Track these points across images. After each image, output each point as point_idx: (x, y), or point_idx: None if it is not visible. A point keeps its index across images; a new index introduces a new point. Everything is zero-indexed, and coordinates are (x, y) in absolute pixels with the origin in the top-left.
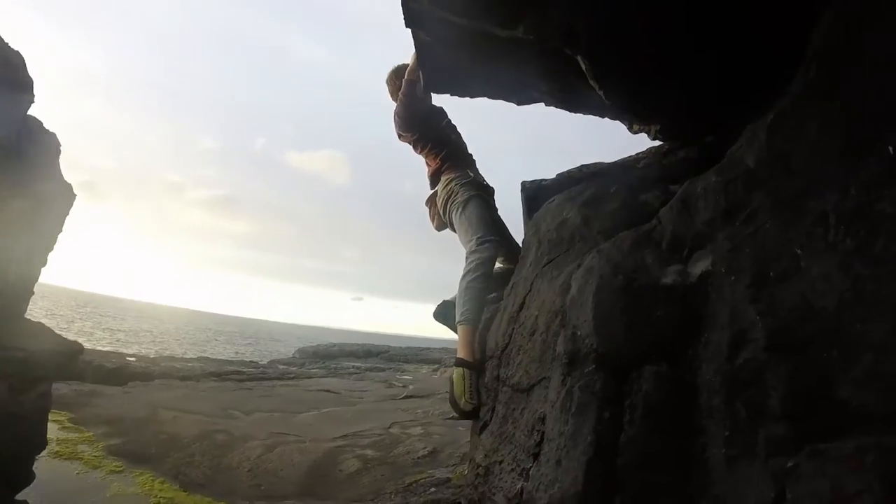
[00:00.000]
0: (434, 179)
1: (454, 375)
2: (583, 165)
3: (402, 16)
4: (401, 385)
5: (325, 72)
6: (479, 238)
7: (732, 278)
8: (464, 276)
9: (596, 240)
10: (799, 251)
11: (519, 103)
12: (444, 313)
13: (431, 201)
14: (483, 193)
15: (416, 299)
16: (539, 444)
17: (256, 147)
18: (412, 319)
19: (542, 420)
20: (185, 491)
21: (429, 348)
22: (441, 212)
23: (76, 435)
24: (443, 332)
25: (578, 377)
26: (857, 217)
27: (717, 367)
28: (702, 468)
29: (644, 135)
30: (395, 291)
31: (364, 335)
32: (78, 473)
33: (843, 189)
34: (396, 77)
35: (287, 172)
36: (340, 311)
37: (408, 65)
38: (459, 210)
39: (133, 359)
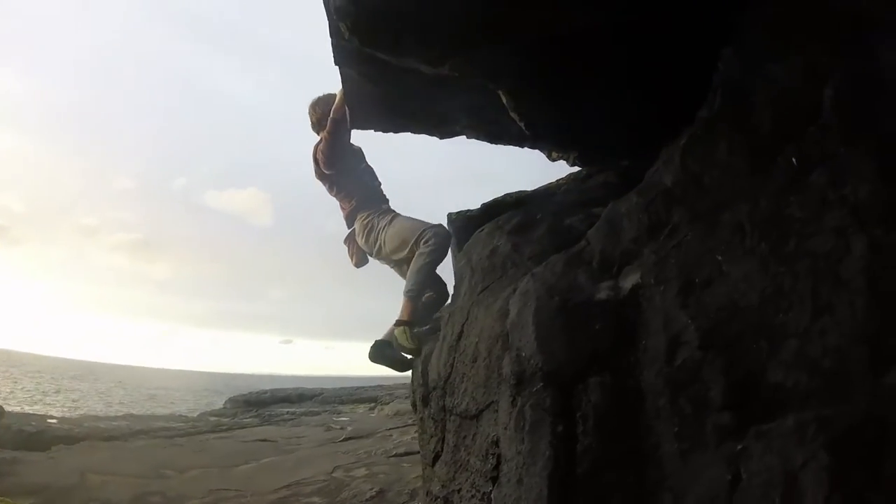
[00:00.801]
0: (350, 220)
1: (396, 332)
2: (507, 194)
3: (332, 53)
4: (339, 427)
5: (247, 108)
6: (428, 227)
7: (662, 288)
8: (420, 256)
9: (527, 265)
10: (720, 258)
11: (441, 137)
12: (380, 353)
13: (350, 239)
14: (395, 214)
15: (348, 338)
16: (496, 467)
17: (175, 186)
18: (345, 359)
19: (496, 443)
20: None
21: (363, 387)
22: (363, 244)
23: None
24: (376, 371)
25: (528, 396)
26: (770, 223)
27: (657, 371)
28: (656, 465)
29: (563, 161)
30: (326, 332)
31: (296, 379)
32: None
33: (754, 200)
34: (317, 109)
35: (208, 213)
36: (270, 356)
37: (332, 95)
38: (386, 227)
39: (55, 421)
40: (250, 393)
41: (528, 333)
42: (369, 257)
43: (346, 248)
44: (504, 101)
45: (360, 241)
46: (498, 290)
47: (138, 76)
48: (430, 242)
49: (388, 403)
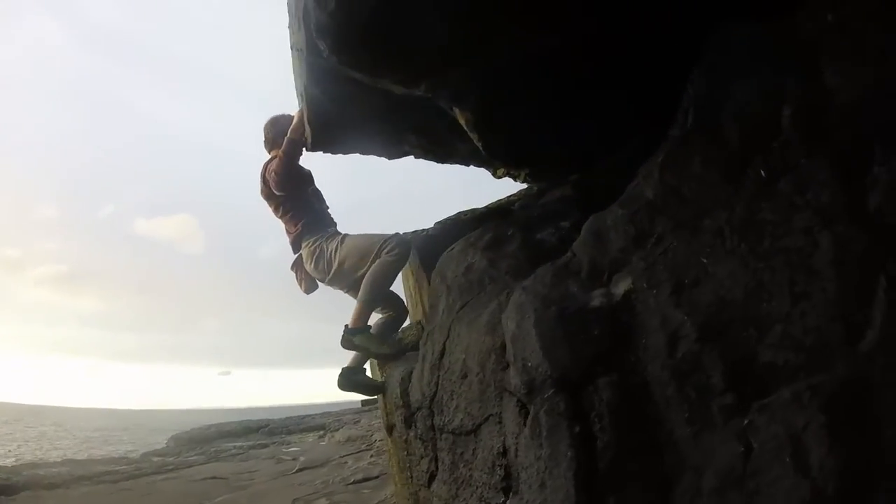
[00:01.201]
0: (296, 245)
1: (358, 340)
2: (461, 212)
3: (304, 71)
4: (290, 458)
5: (174, 134)
6: (389, 237)
7: (655, 291)
8: (382, 265)
9: (505, 280)
10: (705, 260)
11: (390, 157)
12: (349, 381)
13: (298, 265)
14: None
15: (288, 366)
16: (505, 477)
17: (102, 215)
18: (287, 387)
19: (503, 454)
20: None
21: (310, 415)
22: (312, 270)
23: None
24: (322, 397)
25: (541, 403)
26: (746, 226)
27: (662, 364)
28: (672, 450)
29: (492, 177)
30: (265, 361)
31: (239, 412)
32: None
33: (730, 207)
34: (274, 128)
35: (136, 241)
36: (208, 389)
37: (289, 116)
38: (338, 247)
39: None
40: (193, 429)
41: (532, 344)
42: (319, 283)
43: (294, 275)
44: (463, 121)
45: (309, 267)
46: (479, 306)
47: (57, 101)
48: (393, 252)
49: (337, 430)
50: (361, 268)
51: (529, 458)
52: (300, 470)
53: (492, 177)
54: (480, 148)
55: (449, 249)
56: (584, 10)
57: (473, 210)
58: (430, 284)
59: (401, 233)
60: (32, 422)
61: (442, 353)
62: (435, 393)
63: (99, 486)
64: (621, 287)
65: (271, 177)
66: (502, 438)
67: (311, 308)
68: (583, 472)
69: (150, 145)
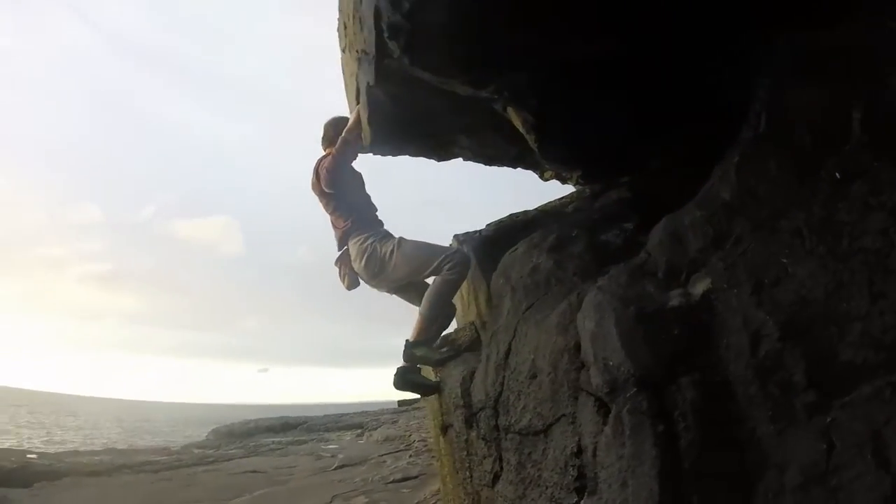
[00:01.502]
0: (343, 241)
1: (417, 352)
2: (512, 214)
3: (367, 71)
4: (329, 455)
5: (212, 135)
6: (452, 253)
7: (735, 291)
8: (444, 283)
9: (573, 281)
10: (785, 260)
11: (440, 159)
12: (405, 380)
13: (343, 261)
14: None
15: (326, 364)
16: (578, 477)
17: (143, 216)
18: (324, 386)
19: (577, 454)
20: None
21: (348, 414)
22: (360, 268)
23: None
24: (358, 396)
25: (623, 402)
26: (824, 227)
27: (745, 363)
28: (755, 447)
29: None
30: (302, 359)
31: (277, 408)
32: None
33: (807, 208)
34: (334, 128)
35: (176, 242)
36: (248, 385)
37: (347, 118)
38: (394, 251)
39: (34, 456)
40: (233, 424)
41: (614, 343)
42: (361, 280)
43: (338, 270)
44: (519, 123)
45: (357, 264)
46: (546, 307)
47: (96, 108)
48: (454, 270)
49: (375, 429)
50: (415, 276)
51: (610, 457)
52: (339, 467)
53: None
54: (535, 149)
55: (512, 251)
56: (643, 18)
57: (525, 212)
58: (488, 285)
59: (461, 248)
60: (76, 411)
61: (507, 353)
62: (500, 393)
63: (140, 476)
64: (700, 287)
65: (322, 173)
66: (577, 438)
67: (347, 309)
68: (667, 471)
69: (187, 151)
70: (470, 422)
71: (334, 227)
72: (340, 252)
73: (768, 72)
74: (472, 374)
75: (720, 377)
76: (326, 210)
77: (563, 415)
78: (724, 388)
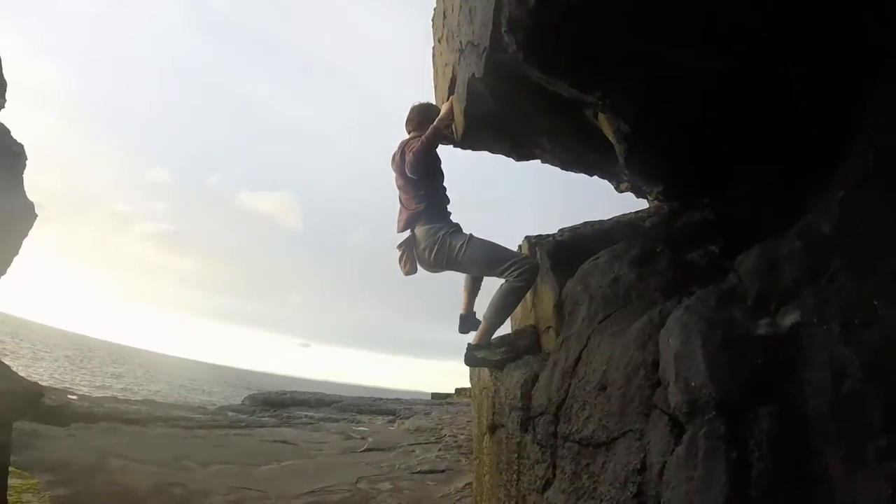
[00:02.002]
0: (409, 223)
1: (481, 354)
2: (586, 222)
3: (474, 64)
4: (359, 437)
5: (284, 114)
6: (519, 259)
7: (824, 327)
8: (511, 291)
9: (654, 296)
10: (876, 303)
11: (518, 159)
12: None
13: (407, 245)
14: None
15: (365, 348)
16: (637, 494)
17: (210, 183)
18: (361, 368)
19: (640, 471)
20: None
21: (381, 399)
22: (427, 257)
23: (20, 481)
24: (395, 383)
25: (700, 425)
26: None
27: (824, 400)
28: (824, 485)
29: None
30: (343, 339)
31: (313, 383)
32: None
33: None
34: (422, 113)
35: (238, 212)
36: (288, 357)
37: (434, 105)
38: (464, 247)
39: (75, 398)
40: (270, 393)
41: (698, 364)
42: (419, 267)
43: (399, 254)
44: (611, 131)
45: (424, 254)
46: (624, 319)
47: (176, 78)
48: (522, 277)
49: (407, 418)
50: (481, 274)
51: (679, 478)
52: (367, 450)
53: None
54: (622, 160)
55: (593, 259)
56: (758, 37)
57: (600, 221)
58: (558, 291)
59: (531, 256)
60: (123, 361)
61: (577, 361)
62: (563, 400)
63: (174, 430)
64: (789, 319)
65: (409, 157)
66: (641, 455)
67: (393, 297)
68: (734, 498)
69: (260, 126)
70: (526, 425)
71: (404, 207)
72: (405, 236)
73: (879, 107)
74: (535, 377)
75: (798, 411)
76: (400, 188)
77: (630, 430)
78: (800, 422)
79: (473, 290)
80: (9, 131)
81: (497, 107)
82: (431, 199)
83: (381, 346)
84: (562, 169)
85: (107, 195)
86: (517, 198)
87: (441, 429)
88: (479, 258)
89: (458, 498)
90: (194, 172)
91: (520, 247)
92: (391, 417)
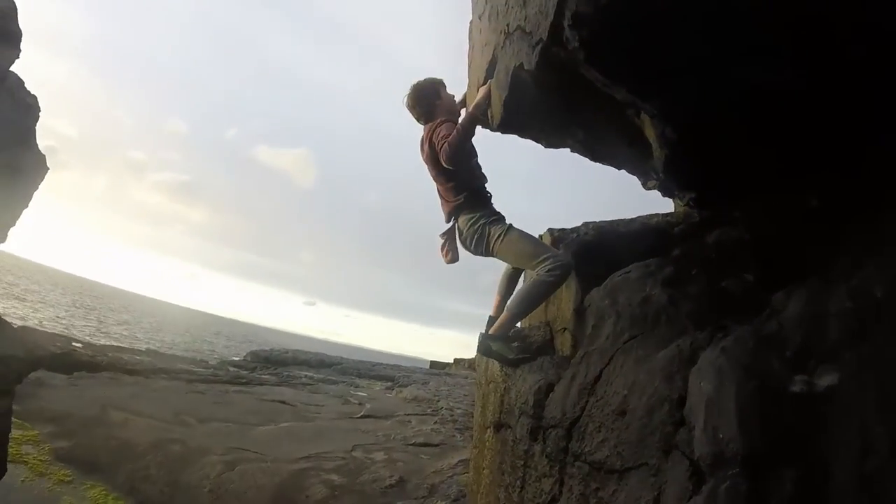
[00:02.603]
0: (453, 215)
1: (496, 346)
2: (612, 221)
3: (524, 53)
4: (357, 402)
5: (305, 73)
6: (557, 254)
7: (860, 395)
8: (540, 283)
9: (684, 323)
10: None
11: (547, 146)
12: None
13: (449, 235)
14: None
15: (370, 311)
16: None
17: (227, 136)
18: (364, 331)
19: None
20: None
21: (381, 364)
22: (469, 246)
23: (20, 432)
24: (397, 348)
25: (723, 479)
26: None
27: (849, 473)
28: None
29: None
30: (348, 300)
31: (314, 342)
32: (23, 481)
33: None
34: (426, 96)
35: (254, 166)
36: (292, 315)
37: (434, 83)
38: (501, 238)
39: (79, 345)
40: (272, 350)
41: (730, 416)
42: (460, 253)
43: (442, 242)
44: (653, 134)
45: (466, 243)
46: (651, 344)
47: (200, 28)
48: (553, 272)
49: (405, 386)
50: (515, 264)
51: None
52: (364, 416)
53: None
54: (660, 164)
55: (625, 272)
56: (835, 56)
57: (627, 222)
58: (580, 292)
59: (567, 253)
60: (130, 308)
61: (597, 379)
62: (579, 417)
63: (175, 383)
64: (826, 380)
65: (445, 148)
66: (655, 493)
67: (402, 262)
68: None
69: (279, 82)
70: (535, 434)
71: (444, 200)
72: (448, 227)
73: None
74: (549, 386)
75: (822, 479)
76: (437, 181)
77: (646, 463)
78: (822, 487)
79: (507, 293)
80: (22, 83)
81: (540, 98)
82: (470, 185)
83: (384, 309)
84: (591, 159)
85: (122, 143)
86: (528, 176)
87: (438, 400)
88: (515, 249)
89: (450, 475)
90: (212, 125)
91: (541, 237)
92: (389, 384)
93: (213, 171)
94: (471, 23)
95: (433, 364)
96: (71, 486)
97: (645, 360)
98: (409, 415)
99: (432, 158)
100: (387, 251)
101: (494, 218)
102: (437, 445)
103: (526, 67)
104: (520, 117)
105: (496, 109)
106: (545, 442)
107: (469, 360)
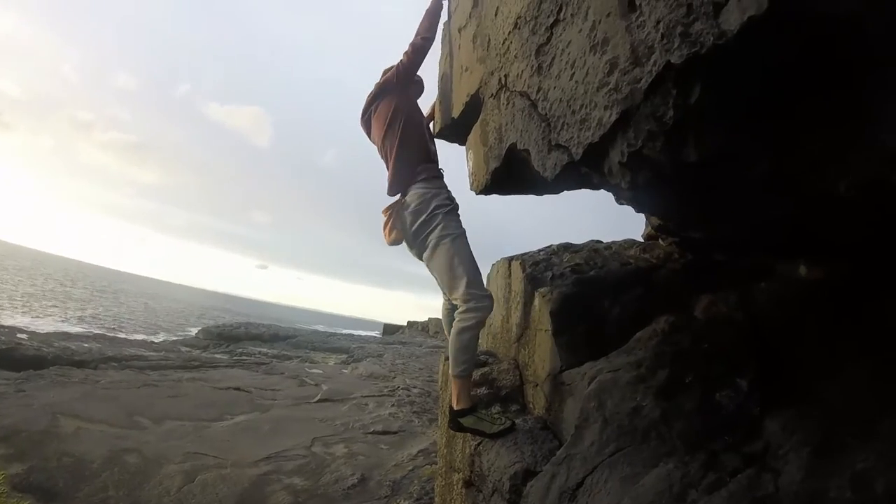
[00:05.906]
0: (401, 186)
1: (466, 423)
2: (588, 254)
3: (552, 170)
4: (313, 383)
5: (262, 26)
6: (479, 294)
7: None
8: (462, 331)
9: (675, 444)
10: None
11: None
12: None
13: (395, 211)
14: (464, 230)
15: (324, 273)
16: None
17: (178, 93)
18: (318, 294)
19: None
20: None
21: (335, 334)
22: (407, 227)
23: None
24: (351, 310)
25: None
26: None
27: None
28: None
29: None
30: (301, 262)
31: (270, 306)
32: None
33: None
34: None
35: (206, 124)
36: (244, 278)
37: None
38: (446, 247)
39: (24, 336)
40: (224, 325)
41: None
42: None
43: (384, 218)
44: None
45: (407, 224)
46: (638, 461)
47: None
48: (471, 314)
49: (360, 361)
50: (438, 277)
51: None
52: (321, 400)
53: None
54: (625, 196)
55: (613, 370)
56: None
57: (606, 259)
58: (561, 355)
59: (490, 296)
60: (78, 279)
61: (578, 486)
62: None
63: (125, 372)
64: None
65: (401, 62)
66: None
67: (357, 224)
68: None
69: (232, 36)
70: None
71: (395, 170)
72: (395, 201)
73: None
74: (526, 472)
75: None
76: (386, 145)
77: None
78: None
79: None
80: None
81: (532, 175)
82: (423, 153)
83: (338, 272)
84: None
85: (69, 102)
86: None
87: (394, 377)
88: (452, 263)
89: (411, 468)
90: (162, 81)
91: (494, 266)
92: (345, 356)
93: (165, 130)
94: (445, 25)
95: (387, 326)
96: None
97: (632, 479)
98: (365, 396)
99: (382, 114)
100: (342, 213)
101: (451, 208)
102: (395, 433)
103: (533, 163)
104: (506, 187)
105: (479, 176)
106: None
107: (422, 324)
